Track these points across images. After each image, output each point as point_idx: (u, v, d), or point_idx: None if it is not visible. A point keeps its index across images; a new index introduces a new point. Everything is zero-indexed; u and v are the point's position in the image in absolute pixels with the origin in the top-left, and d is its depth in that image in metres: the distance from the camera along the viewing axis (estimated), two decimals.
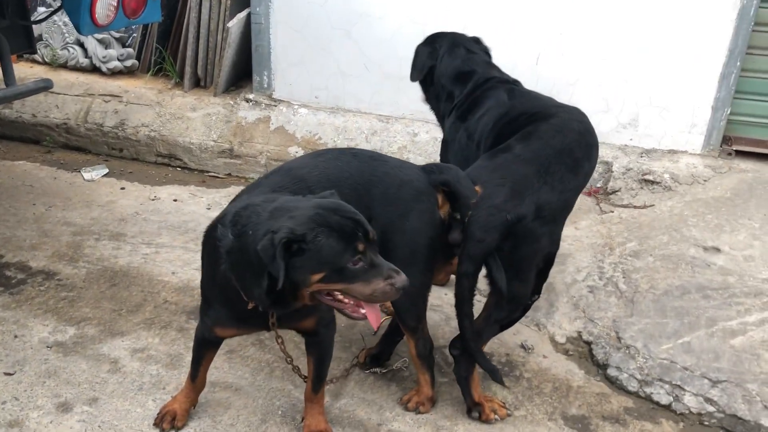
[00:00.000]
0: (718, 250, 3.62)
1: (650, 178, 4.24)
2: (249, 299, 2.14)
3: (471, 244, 2.53)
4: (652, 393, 2.95)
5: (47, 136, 5.22)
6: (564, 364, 3.15)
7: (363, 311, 2.05)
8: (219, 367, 2.98)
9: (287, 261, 1.95)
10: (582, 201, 4.31)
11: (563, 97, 4.30)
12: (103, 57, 5.34)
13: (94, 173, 4.79)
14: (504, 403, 2.85)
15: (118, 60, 5.37)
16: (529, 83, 4.29)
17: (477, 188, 2.56)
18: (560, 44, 4.35)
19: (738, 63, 4.16)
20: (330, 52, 4.78)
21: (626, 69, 4.30)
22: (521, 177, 2.61)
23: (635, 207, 4.13)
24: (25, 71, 5.48)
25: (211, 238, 2.26)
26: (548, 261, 2.81)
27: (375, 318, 2.06)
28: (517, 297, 2.69)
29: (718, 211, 3.91)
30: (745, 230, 3.75)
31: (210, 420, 2.71)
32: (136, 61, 5.42)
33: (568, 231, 4.00)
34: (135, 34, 5.44)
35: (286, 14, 4.75)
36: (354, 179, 2.51)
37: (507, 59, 4.38)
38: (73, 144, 5.20)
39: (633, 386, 3.00)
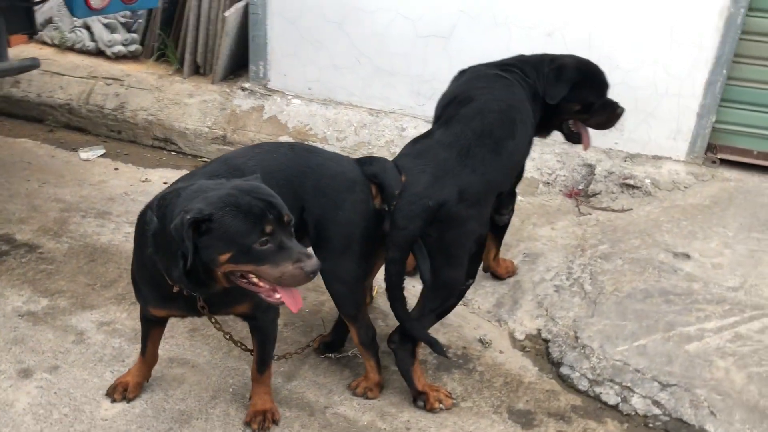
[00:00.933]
0: (687, 256, 3.63)
1: (631, 182, 4.25)
2: (171, 281, 2.20)
3: (395, 232, 2.61)
4: (601, 393, 2.98)
5: (50, 115, 5.37)
6: (519, 360, 3.19)
7: (278, 295, 2.09)
8: (180, 344, 3.08)
9: (196, 240, 2.00)
10: (561, 202, 4.35)
11: None
12: (108, 41, 5.48)
13: (91, 153, 4.93)
14: (450, 393, 2.90)
15: (123, 45, 5.50)
16: None
17: (402, 177, 2.62)
18: (546, 46, 4.36)
19: (724, 71, 4.14)
20: (323, 44, 4.86)
21: (612, 72, 4.30)
22: (441, 162, 2.69)
23: (613, 210, 4.15)
24: (33, 52, 5.63)
25: (140, 222, 2.33)
26: (480, 244, 2.86)
27: (292, 302, 2.09)
28: (449, 283, 2.75)
29: (693, 218, 3.91)
30: (717, 238, 3.75)
31: (162, 393, 2.80)
32: (139, 47, 5.55)
33: (543, 231, 4.06)
34: (140, 20, 5.57)
35: (281, 5, 4.84)
36: (289, 170, 2.58)
37: (495, 58, 4.43)
38: (74, 124, 5.34)
39: (583, 385, 3.03)
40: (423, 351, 3.18)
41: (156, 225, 2.15)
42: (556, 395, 2.98)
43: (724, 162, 4.40)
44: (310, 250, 2.34)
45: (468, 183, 2.69)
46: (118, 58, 5.53)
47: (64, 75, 5.44)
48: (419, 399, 2.82)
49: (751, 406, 2.82)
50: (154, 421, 2.66)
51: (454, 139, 2.80)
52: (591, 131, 3.50)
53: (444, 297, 2.78)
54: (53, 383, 2.80)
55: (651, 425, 2.84)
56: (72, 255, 3.70)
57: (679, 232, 3.80)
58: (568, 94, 3.27)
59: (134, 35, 5.54)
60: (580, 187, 4.37)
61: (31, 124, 5.39)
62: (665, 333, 3.17)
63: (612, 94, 4.30)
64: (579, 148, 4.45)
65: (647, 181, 4.24)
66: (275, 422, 2.67)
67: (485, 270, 3.62)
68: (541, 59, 3.37)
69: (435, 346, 2.77)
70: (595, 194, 4.32)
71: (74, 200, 4.27)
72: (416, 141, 2.90)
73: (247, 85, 5.16)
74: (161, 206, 2.15)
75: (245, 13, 5.01)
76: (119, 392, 2.72)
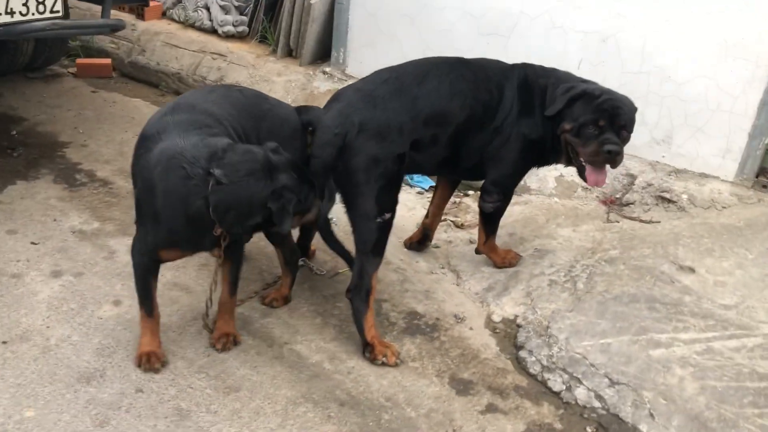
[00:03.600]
0: (692, 270, 3.53)
1: (667, 196, 4.15)
2: (224, 230, 2.64)
3: (312, 161, 2.99)
4: (549, 379, 3.04)
5: (164, 81, 6.12)
6: (485, 339, 3.31)
7: None
8: (188, 274, 3.53)
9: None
10: (594, 208, 4.35)
11: None
12: (221, 21, 6.14)
13: None
14: (399, 353, 3.10)
15: (233, 25, 6.14)
16: None
17: None
18: (600, 52, 4.38)
19: None
20: (396, 36, 5.16)
21: (663, 84, 4.24)
22: (349, 100, 3.13)
23: (641, 221, 4.09)
24: (161, 26, 6.45)
25: (175, 170, 2.56)
26: (388, 179, 3.10)
27: None
28: (363, 216, 3.01)
29: (718, 237, 3.78)
30: (734, 258, 3.61)
31: None
32: (246, 28, 6.17)
33: (564, 231, 4.11)
34: (251, 5, 6.18)
35: None
36: (249, 112, 3.00)
37: (551, 61, 4.52)
38: (182, 91, 6.02)
39: (535, 369, 3.10)
40: (396, 314, 3.41)
41: (218, 181, 2.51)
42: (505, 374, 3.08)
43: None
44: None
45: (369, 117, 3.06)
46: (228, 36, 6.18)
47: (180, 48, 6.17)
48: (366, 349, 3.05)
49: (693, 415, 2.77)
50: (137, 326, 3.10)
51: (363, 84, 3.25)
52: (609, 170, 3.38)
53: (365, 232, 3.03)
54: (74, 284, 3.34)
55: (586, 416, 2.87)
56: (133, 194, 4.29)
57: (695, 248, 3.70)
58: (564, 108, 3.28)
59: (244, 17, 6.17)
60: (617, 196, 4.34)
61: (148, 88, 6.16)
62: (635, 336, 3.15)
63: (662, 106, 4.28)
64: (626, 157, 4.44)
65: (684, 196, 4.13)
66: (236, 343, 3.03)
67: (476, 252, 3.76)
68: (565, 79, 3.42)
69: (344, 257, 3.22)
70: (628, 204, 4.27)
71: None
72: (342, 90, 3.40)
73: (327, 69, 5.58)
74: (223, 165, 2.52)
75: (332, 2, 5.43)
76: (148, 363, 2.85)
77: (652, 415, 2.81)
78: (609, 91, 3.32)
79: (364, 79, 3.40)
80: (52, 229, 3.79)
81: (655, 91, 4.27)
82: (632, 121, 3.29)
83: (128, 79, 6.32)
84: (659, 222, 4.04)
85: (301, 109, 3.27)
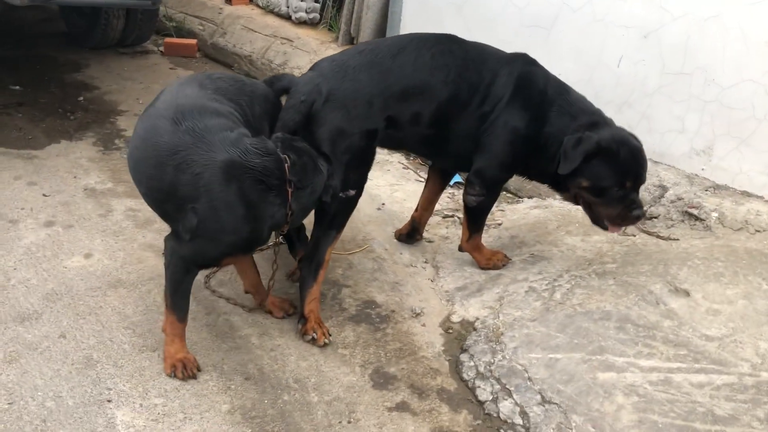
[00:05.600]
0: (687, 294, 3.11)
1: (695, 212, 3.69)
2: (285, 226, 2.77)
3: (277, 125, 2.98)
4: (478, 386, 2.81)
5: (237, 63, 6.36)
6: (433, 337, 3.12)
7: None
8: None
9: None
10: None
11: (638, 109, 4.02)
12: (295, 8, 6.28)
13: None
14: (330, 335, 3.00)
15: (305, 12, 6.25)
16: (608, 85, 4.11)
17: None
18: (640, 49, 3.98)
19: None
20: (443, 24, 4.98)
21: (706, 87, 3.78)
22: (322, 69, 3.10)
23: (658, 236, 3.67)
24: (244, 11, 6.71)
25: (253, 184, 2.58)
26: (354, 155, 3.02)
27: None
28: (329, 188, 2.90)
29: (735, 262, 3.30)
30: (744, 286, 3.13)
31: (131, 267, 3.37)
32: (318, 15, 6.26)
33: (571, 240, 3.82)
34: None
35: None
36: (243, 97, 2.98)
37: (590, 57, 4.20)
38: (252, 74, 6.23)
39: (468, 375, 2.88)
40: (351, 301, 3.31)
41: (300, 188, 2.68)
42: (436, 375, 2.89)
43: None
44: None
45: (336, 88, 3.00)
46: (300, 23, 6.30)
47: (255, 32, 6.39)
48: (300, 321, 3.00)
49: None
50: (97, 281, 3.24)
51: (340, 54, 3.19)
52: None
53: (325, 205, 2.95)
54: (59, 235, 3.55)
55: (502, 431, 2.62)
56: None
57: (702, 271, 3.25)
58: (581, 164, 3.07)
59: (316, 5, 6.27)
60: (645, 208, 3.92)
61: (224, 69, 6.41)
62: (589, 355, 2.84)
63: (704, 112, 3.82)
64: (660, 167, 4.03)
65: (714, 215, 3.65)
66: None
67: (459, 249, 3.56)
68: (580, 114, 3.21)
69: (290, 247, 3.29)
70: (652, 217, 3.84)
71: None
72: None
73: None
74: (300, 170, 2.69)
75: None
76: (187, 369, 2.73)
77: None
78: (622, 138, 3.11)
79: (344, 50, 3.35)
80: (68, 184, 4.05)
81: (697, 95, 3.82)
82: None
83: (209, 59, 6.63)
84: (677, 240, 3.60)
85: (272, 80, 3.29)
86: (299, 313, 3.02)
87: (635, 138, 3.18)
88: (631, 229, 3.77)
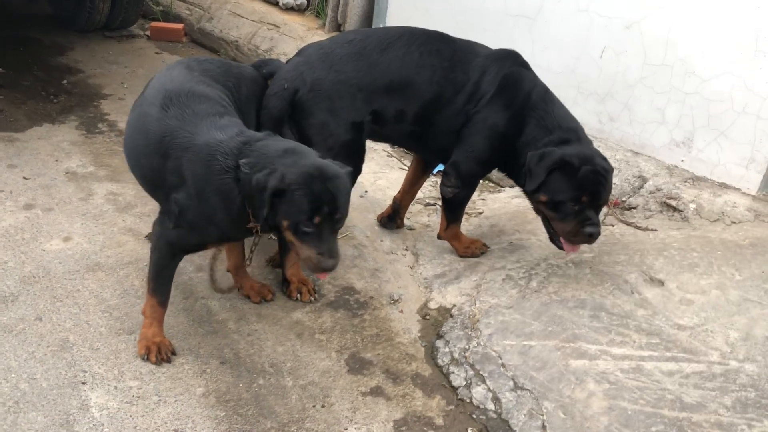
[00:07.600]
0: (661, 283, 3.15)
1: (673, 203, 3.72)
2: (255, 219, 2.51)
3: (261, 112, 2.98)
4: (452, 372, 2.84)
5: (223, 48, 6.33)
6: (410, 323, 3.15)
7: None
8: (144, 221, 3.62)
9: (273, 200, 2.37)
10: None
11: (620, 99, 4.03)
12: None
13: None
14: (316, 292, 3.18)
15: None
16: (592, 76, 4.13)
17: None
18: (623, 40, 4.00)
19: None
20: (430, 14, 5.00)
21: (687, 79, 3.80)
22: (307, 57, 3.09)
23: (636, 227, 3.69)
24: None
25: (218, 168, 2.49)
26: (342, 146, 3.03)
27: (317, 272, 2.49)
28: None
29: (710, 253, 3.33)
30: (718, 277, 3.17)
31: (110, 251, 3.37)
32: (305, 1, 6.23)
33: None
34: None
35: None
36: (230, 79, 2.99)
37: (574, 47, 4.21)
38: (237, 59, 6.21)
39: (443, 361, 2.91)
40: (330, 287, 3.33)
41: (250, 176, 2.43)
42: (411, 360, 2.92)
43: None
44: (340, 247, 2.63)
45: (321, 78, 2.99)
46: (287, 9, 6.27)
47: (242, 17, 6.36)
48: (284, 285, 3.10)
49: None
50: (75, 264, 3.24)
51: (328, 42, 3.17)
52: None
53: None
54: (38, 218, 3.54)
55: (474, 417, 2.65)
56: None
57: (678, 261, 3.29)
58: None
59: None
60: (624, 199, 3.95)
61: (210, 54, 6.37)
62: (562, 342, 2.87)
63: (684, 104, 3.84)
64: (641, 158, 4.06)
65: (692, 206, 3.68)
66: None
67: (438, 237, 3.58)
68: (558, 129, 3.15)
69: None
70: (631, 208, 3.87)
71: None
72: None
73: None
74: (256, 161, 2.45)
75: None
76: (159, 354, 2.71)
77: (544, 427, 2.54)
78: (587, 156, 3.02)
79: (333, 37, 3.33)
80: (49, 168, 4.03)
81: (677, 87, 3.83)
82: (611, 191, 3.09)
83: (196, 44, 6.59)
84: (655, 230, 3.63)
85: (259, 63, 3.30)
86: (281, 279, 3.08)
87: (604, 159, 3.07)
88: (609, 219, 3.81)
